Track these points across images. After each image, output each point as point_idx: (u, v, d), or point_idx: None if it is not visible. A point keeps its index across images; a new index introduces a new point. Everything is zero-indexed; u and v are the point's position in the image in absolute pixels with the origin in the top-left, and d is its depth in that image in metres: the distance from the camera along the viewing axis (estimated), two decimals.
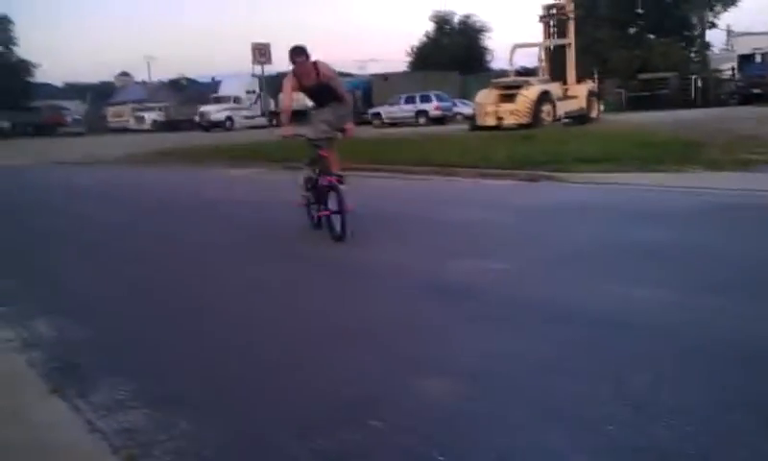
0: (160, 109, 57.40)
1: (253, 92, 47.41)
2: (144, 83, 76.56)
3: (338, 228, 7.03)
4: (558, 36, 28.00)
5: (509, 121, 23.41)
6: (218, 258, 7.09)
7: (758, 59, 39.26)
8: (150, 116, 55.98)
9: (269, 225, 8.93)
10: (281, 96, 8.78)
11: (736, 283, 5.08)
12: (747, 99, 35.34)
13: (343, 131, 7.43)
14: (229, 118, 45.70)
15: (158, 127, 53.08)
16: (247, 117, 46.17)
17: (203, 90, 57.78)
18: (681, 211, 8.17)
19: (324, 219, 7.35)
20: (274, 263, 6.79)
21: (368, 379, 3.65)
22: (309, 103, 7.74)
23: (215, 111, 46.45)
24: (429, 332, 4.45)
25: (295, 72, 7.20)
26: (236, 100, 47.65)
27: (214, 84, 57.27)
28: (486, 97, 25.14)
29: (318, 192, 7.41)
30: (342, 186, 7.05)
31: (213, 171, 17.11)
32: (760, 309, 4.47)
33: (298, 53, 7.07)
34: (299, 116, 7.79)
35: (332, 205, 7.09)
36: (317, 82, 7.26)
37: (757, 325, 4.18)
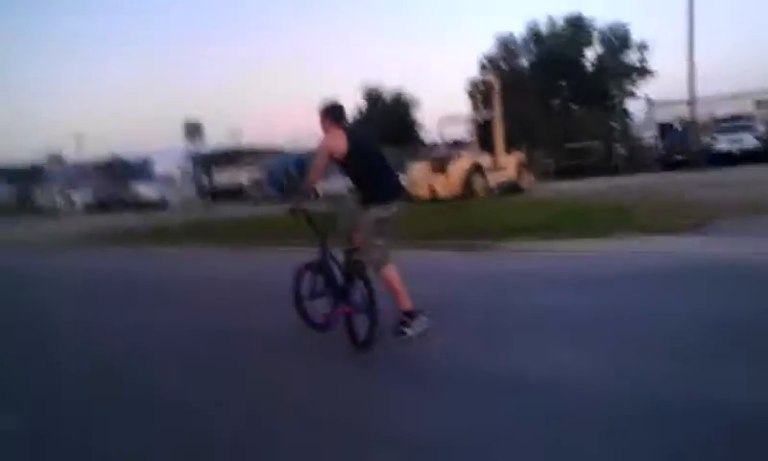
0: (91, 190, 56.22)
1: (186, 170, 46.91)
2: (74, 163, 75.09)
3: (362, 331, 5.74)
4: (485, 109, 28.74)
5: (442, 192, 23.75)
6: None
7: (678, 126, 40.87)
8: (81, 197, 54.76)
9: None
10: None
11: (676, 347, 5.24)
12: (670, 165, 36.60)
13: None
14: (163, 197, 45.10)
15: (90, 208, 51.93)
16: (181, 195, 45.59)
17: (134, 169, 56.90)
18: (613, 277, 8.34)
19: (340, 319, 5.98)
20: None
21: None
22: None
23: (148, 190, 45.76)
24: (383, 405, 4.56)
25: None
26: (169, 178, 47.08)
27: (146, 163, 56.55)
28: (418, 170, 25.47)
29: (330, 279, 6.10)
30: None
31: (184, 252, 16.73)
32: (692, 371, 4.64)
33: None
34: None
35: (359, 299, 5.88)
36: None
37: (686, 386, 4.35)
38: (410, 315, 5.87)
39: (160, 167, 49.30)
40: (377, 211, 5.82)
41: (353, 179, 6.05)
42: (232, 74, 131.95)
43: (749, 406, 3.96)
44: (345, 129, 5.98)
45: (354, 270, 5.98)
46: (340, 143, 5.82)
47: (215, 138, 49.06)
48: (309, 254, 6.22)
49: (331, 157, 5.87)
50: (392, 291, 5.88)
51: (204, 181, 45.28)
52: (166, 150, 52.70)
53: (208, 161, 48.35)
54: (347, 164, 5.91)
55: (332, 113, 5.99)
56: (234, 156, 49.43)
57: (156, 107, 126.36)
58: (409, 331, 5.83)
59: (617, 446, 3.67)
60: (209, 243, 16.36)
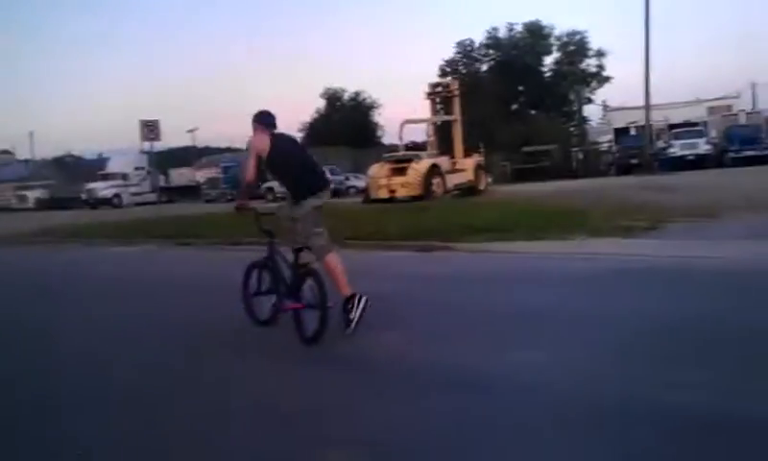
0: (44, 187, 55.08)
1: (142, 169, 46.27)
2: (27, 160, 73.58)
3: (311, 326, 5.79)
4: (445, 113, 28.85)
5: (401, 194, 23.79)
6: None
7: (633, 131, 41.58)
8: (33, 195, 53.58)
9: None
10: None
11: (621, 346, 5.29)
12: (625, 169, 37.25)
13: None
14: (117, 195, 44.54)
15: (42, 205, 50.80)
16: (135, 194, 44.97)
17: (89, 167, 55.91)
18: (566, 277, 8.48)
19: (290, 314, 6.07)
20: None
21: None
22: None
23: (102, 188, 45.14)
24: (331, 408, 4.46)
25: None
26: (124, 177, 46.46)
27: (101, 161, 55.66)
28: (378, 171, 25.50)
29: (278, 276, 6.31)
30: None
31: (102, 249, 16.49)
32: (644, 371, 4.65)
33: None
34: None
35: (309, 296, 5.90)
36: None
37: (641, 386, 4.35)
38: (350, 299, 6.08)
39: (116, 166, 48.52)
40: (311, 201, 6.13)
41: (280, 178, 6.52)
42: (194, 76, 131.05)
43: (694, 408, 3.95)
44: (270, 133, 6.31)
45: (303, 267, 6.08)
46: (263, 144, 6.22)
47: (174, 138, 48.48)
48: (257, 252, 6.23)
49: (259, 158, 6.25)
50: (333, 278, 6.09)
51: (161, 179, 44.72)
52: (124, 149, 51.88)
53: (165, 160, 47.68)
54: (272, 164, 6.29)
55: (261, 119, 6.37)
56: (191, 155, 48.78)
57: (116, 107, 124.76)
58: (353, 315, 6.02)
59: (560, 446, 3.65)
60: (151, 240, 16.52)
